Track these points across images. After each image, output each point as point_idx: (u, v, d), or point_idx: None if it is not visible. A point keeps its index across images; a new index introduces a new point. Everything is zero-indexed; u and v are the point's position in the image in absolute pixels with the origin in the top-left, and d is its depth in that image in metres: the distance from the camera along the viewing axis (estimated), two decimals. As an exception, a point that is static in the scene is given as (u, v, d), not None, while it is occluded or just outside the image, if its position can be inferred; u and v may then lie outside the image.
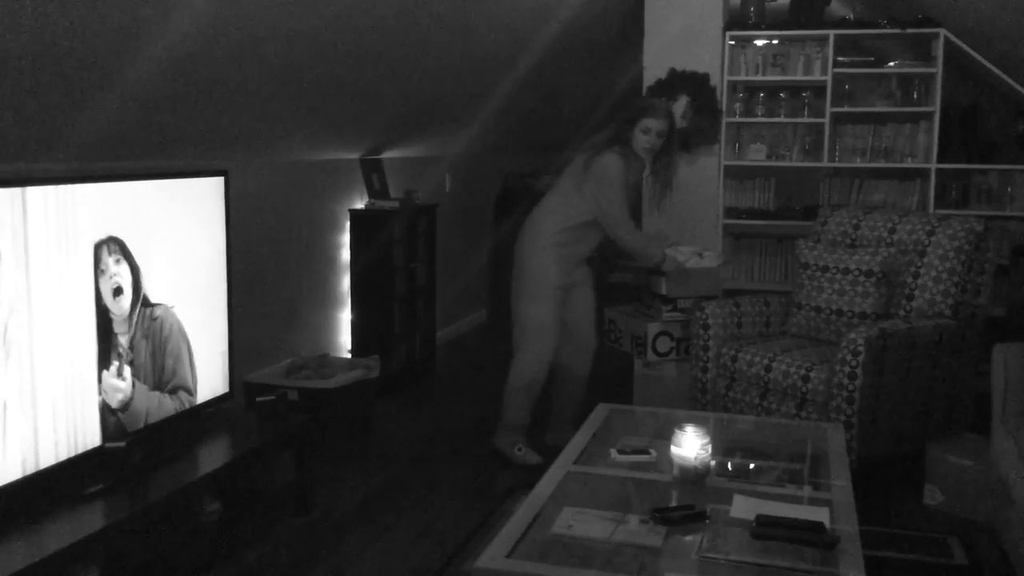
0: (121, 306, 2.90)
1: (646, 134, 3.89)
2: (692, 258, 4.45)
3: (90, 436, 2.79)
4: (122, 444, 2.84)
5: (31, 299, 2.53)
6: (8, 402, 2.48)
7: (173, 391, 3.18)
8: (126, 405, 2.94)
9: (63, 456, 2.68)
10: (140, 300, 2.98)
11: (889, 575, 2.95)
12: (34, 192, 2.53)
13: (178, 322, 3.18)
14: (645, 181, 4.20)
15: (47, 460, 2.62)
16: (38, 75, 2.67)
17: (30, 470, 2.56)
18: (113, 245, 2.84)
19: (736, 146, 5.47)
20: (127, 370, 2.93)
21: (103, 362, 2.83)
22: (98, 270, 2.78)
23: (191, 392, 3.27)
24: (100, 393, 2.82)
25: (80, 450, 2.75)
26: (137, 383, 2.98)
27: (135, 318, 2.96)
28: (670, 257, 4.14)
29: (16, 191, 2.47)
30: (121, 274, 2.89)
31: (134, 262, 2.94)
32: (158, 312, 3.08)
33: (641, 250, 4.07)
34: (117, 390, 2.90)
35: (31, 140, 2.97)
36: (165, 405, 3.13)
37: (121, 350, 2.91)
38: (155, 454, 2.97)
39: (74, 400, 2.72)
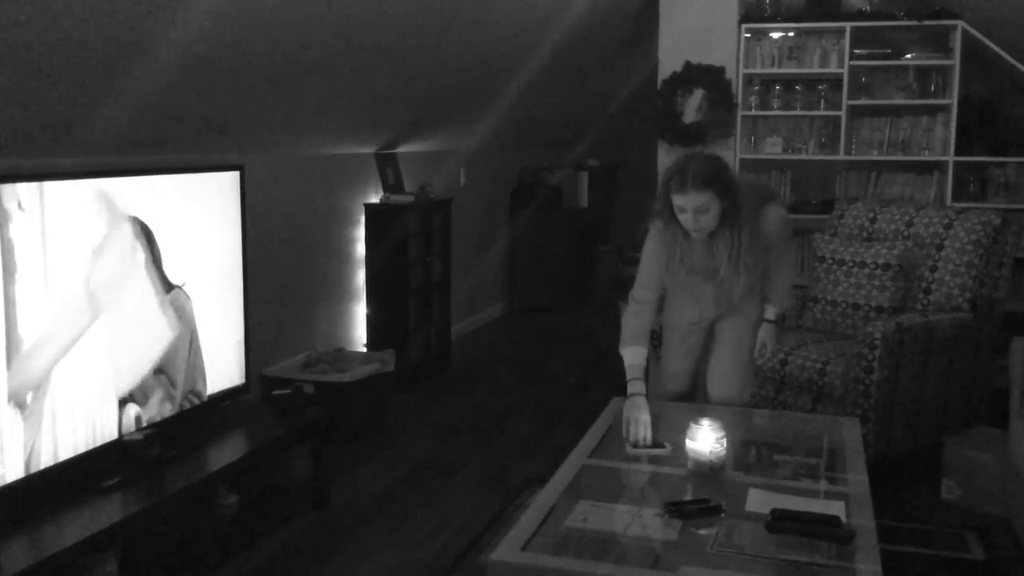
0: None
1: (682, 213, 2.88)
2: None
3: (108, 429, 2.81)
4: (139, 437, 2.87)
5: (48, 291, 2.55)
6: (26, 395, 2.50)
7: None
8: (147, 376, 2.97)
9: (81, 449, 2.70)
10: (159, 277, 3.00)
11: (906, 569, 2.94)
12: (52, 187, 2.55)
13: (190, 307, 3.20)
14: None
15: (65, 453, 2.64)
16: (55, 71, 2.69)
17: (49, 462, 2.58)
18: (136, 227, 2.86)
19: (752, 139, 5.44)
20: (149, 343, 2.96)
21: (118, 352, 2.85)
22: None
23: (173, 384, 3.17)
24: (116, 383, 2.84)
25: (98, 443, 2.77)
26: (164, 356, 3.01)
27: (157, 296, 2.98)
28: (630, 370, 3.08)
29: (34, 186, 2.49)
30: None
31: (152, 246, 2.95)
32: (179, 297, 3.11)
33: (622, 336, 3.14)
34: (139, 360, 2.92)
35: (49, 136, 2.99)
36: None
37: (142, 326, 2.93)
38: (172, 447, 2.99)
39: (92, 392, 2.74)
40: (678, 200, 2.87)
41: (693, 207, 2.85)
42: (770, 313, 3.23)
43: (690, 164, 2.88)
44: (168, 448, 2.96)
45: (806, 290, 4.29)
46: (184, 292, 3.14)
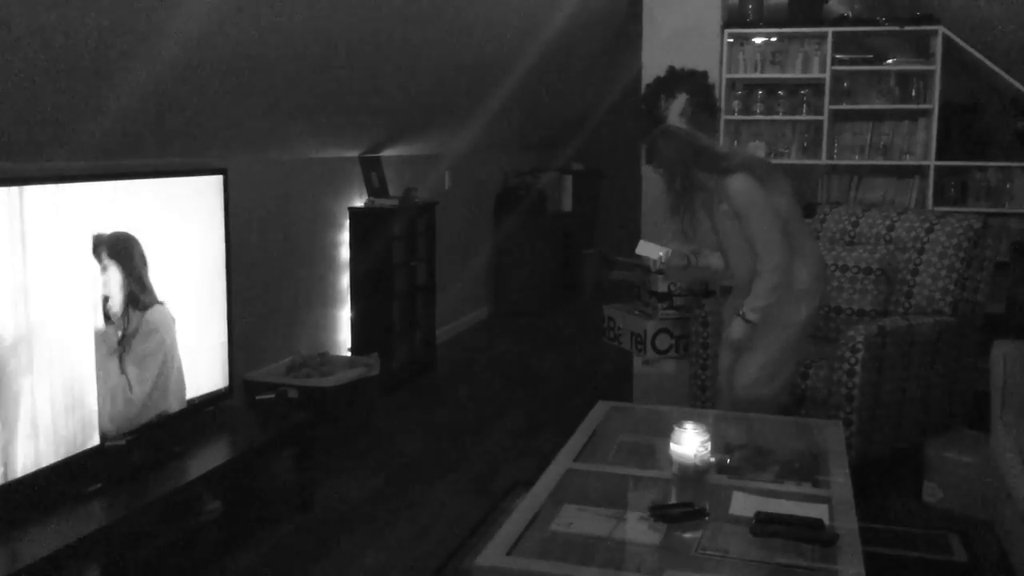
0: (113, 307, 2.88)
1: None
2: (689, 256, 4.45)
3: (90, 434, 2.79)
4: (122, 442, 2.85)
5: (28, 295, 2.53)
6: (8, 398, 2.48)
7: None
8: (130, 380, 2.94)
9: (63, 455, 2.68)
10: (132, 303, 2.96)
11: (888, 572, 2.96)
12: (32, 191, 2.53)
13: (169, 326, 3.15)
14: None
15: (47, 459, 2.62)
16: (38, 75, 2.68)
17: (30, 469, 2.56)
18: (102, 249, 2.81)
19: (735, 143, 5.46)
20: (127, 351, 2.93)
21: (100, 356, 2.82)
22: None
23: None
24: (98, 391, 2.82)
25: (80, 448, 2.75)
26: (136, 364, 2.98)
27: (127, 319, 2.95)
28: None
29: (14, 190, 2.47)
30: (110, 281, 2.86)
31: (128, 265, 2.92)
32: (149, 316, 3.04)
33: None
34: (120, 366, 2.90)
35: (31, 139, 2.97)
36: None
37: (121, 334, 2.91)
38: (155, 452, 2.97)
39: (74, 398, 2.72)
40: None
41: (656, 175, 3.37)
42: (743, 307, 3.23)
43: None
44: (150, 454, 2.94)
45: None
46: (166, 309, 3.11)
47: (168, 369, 3.15)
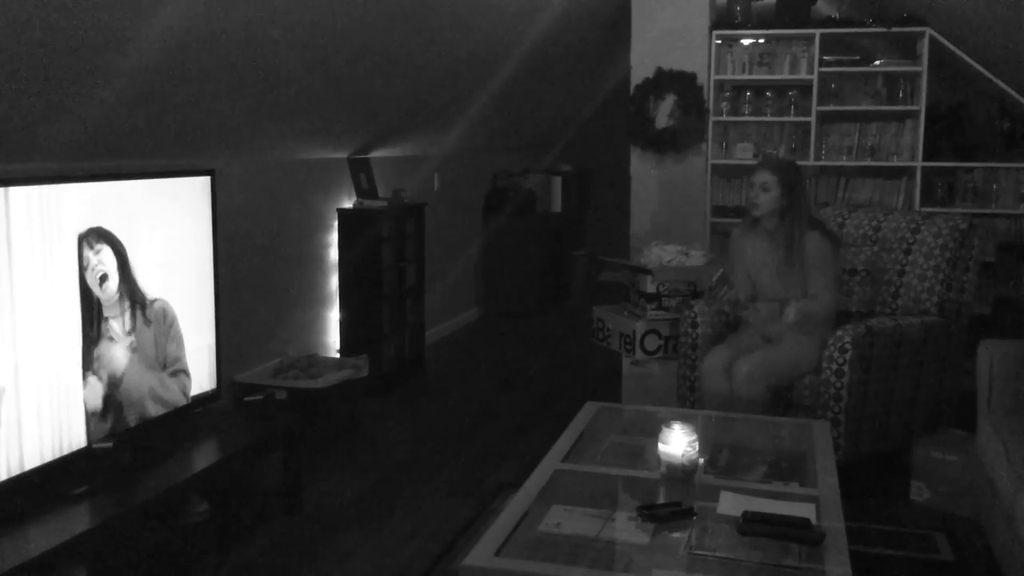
0: (109, 291, 2.88)
1: (751, 189, 3.72)
2: (678, 257, 4.48)
3: (76, 436, 2.78)
4: (109, 444, 2.83)
5: (14, 297, 2.52)
6: (-6, 403, 2.47)
7: (175, 373, 3.20)
8: (119, 382, 2.94)
9: (48, 457, 2.67)
10: (128, 281, 2.96)
11: (876, 571, 2.97)
12: (17, 192, 2.51)
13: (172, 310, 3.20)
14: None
15: (32, 461, 2.61)
16: (24, 74, 2.66)
17: (15, 471, 2.55)
18: (92, 236, 2.80)
19: (723, 145, 5.49)
20: (122, 350, 2.93)
21: (87, 359, 2.81)
22: (81, 266, 2.76)
23: (189, 375, 3.28)
24: (85, 392, 2.81)
25: (66, 451, 2.73)
26: (136, 362, 2.99)
27: (127, 301, 2.95)
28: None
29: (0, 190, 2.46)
30: (104, 261, 2.86)
31: (118, 246, 2.91)
32: (156, 300, 3.09)
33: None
34: (110, 367, 2.90)
35: (17, 139, 2.95)
36: (168, 385, 3.16)
37: (114, 333, 2.90)
38: (143, 454, 2.96)
39: (59, 399, 2.70)
40: (752, 177, 3.71)
41: (759, 183, 3.66)
42: (787, 306, 3.61)
43: (771, 153, 4.32)
44: (138, 455, 2.93)
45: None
46: (164, 302, 3.14)
47: (184, 346, 3.23)
